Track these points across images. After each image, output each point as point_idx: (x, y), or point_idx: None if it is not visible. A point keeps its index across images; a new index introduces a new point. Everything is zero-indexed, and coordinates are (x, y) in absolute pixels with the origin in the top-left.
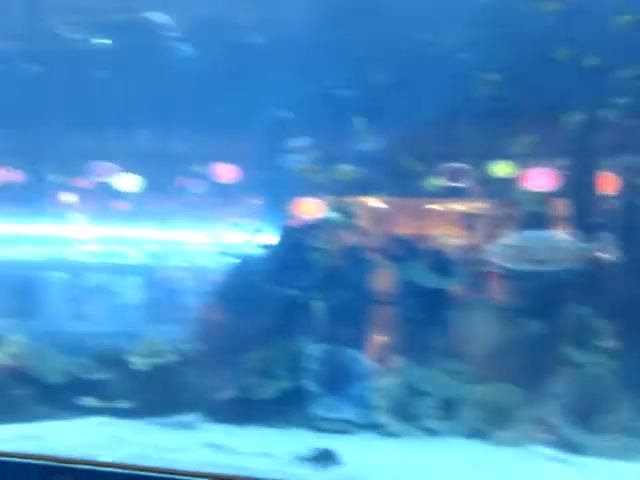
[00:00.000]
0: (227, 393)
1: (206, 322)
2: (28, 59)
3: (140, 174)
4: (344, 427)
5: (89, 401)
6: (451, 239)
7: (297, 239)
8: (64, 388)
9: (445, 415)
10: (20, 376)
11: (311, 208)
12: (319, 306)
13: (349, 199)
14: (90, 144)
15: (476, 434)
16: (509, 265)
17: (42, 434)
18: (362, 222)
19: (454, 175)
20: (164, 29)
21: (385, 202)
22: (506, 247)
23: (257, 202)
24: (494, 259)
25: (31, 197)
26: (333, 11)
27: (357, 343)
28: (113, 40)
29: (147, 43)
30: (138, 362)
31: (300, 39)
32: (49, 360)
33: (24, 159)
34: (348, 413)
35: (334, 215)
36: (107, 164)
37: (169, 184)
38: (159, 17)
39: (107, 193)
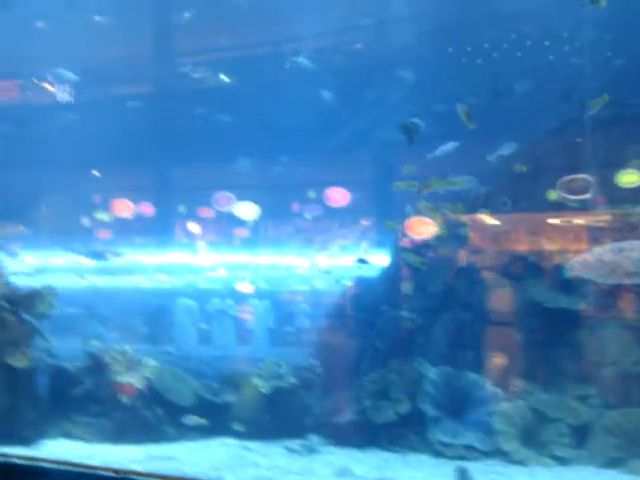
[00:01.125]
0: (347, 416)
1: (324, 345)
2: (155, 99)
3: (258, 202)
4: (466, 453)
5: (215, 423)
6: (574, 254)
7: (411, 259)
8: (192, 410)
9: (575, 442)
10: (152, 398)
11: (424, 227)
12: (437, 328)
13: (464, 216)
14: (213, 176)
15: (610, 463)
16: (600, 279)
17: (171, 454)
18: (478, 240)
19: (577, 187)
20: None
21: (502, 218)
22: (596, 260)
23: (370, 223)
24: (579, 273)
25: (161, 228)
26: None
27: (478, 366)
28: (233, 76)
29: (264, 78)
30: (261, 385)
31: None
32: (179, 383)
33: (154, 193)
34: (470, 439)
35: (448, 233)
36: (228, 194)
37: (285, 210)
38: (274, 50)
39: (229, 221)
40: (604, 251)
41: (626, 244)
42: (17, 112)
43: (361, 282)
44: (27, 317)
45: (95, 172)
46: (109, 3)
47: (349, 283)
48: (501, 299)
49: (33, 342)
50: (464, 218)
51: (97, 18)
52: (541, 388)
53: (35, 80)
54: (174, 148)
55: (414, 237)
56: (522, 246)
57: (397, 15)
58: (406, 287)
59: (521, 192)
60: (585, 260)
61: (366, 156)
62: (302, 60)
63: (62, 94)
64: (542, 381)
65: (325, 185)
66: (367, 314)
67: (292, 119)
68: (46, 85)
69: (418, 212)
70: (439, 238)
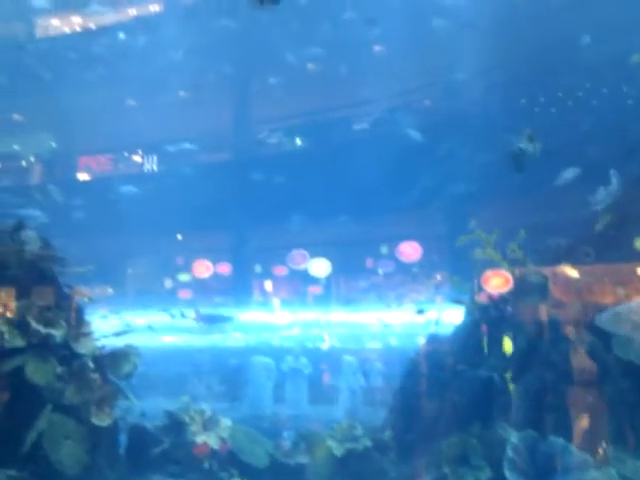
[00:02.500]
0: None
1: (400, 406)
2: (234, 164)
3: (330, 259)
4: None
5: None
6: None
7: (487, 315)
8: (265, 472)
9: None
10: (227, 459)
11: (500, 280)
12: (518, 388)
13: (545, 268)
14: (287, 235)
15: None
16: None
17: None
18: (560, 293)
19: None
20: (348, 125)
21: (586, 270)
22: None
23: (444, 278)
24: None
25: (238, 287)
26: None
27: (563, 430)
28: (309, 140)
29: (337, 140)
30: (334, 447)
31: (480, 110)
32: (253, 444)
33: (231, 253)
34: None
35: (528, 287)
36: (302, 252)
37: (358, 267)
38: (346, 112)
39: (303, 279)
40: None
41: None
42: (110, 182)
43: (436, 339)
44: (112, 377)
45: (178, 236)
46: (192, 80)
47: (425, 341)
48: (587, 357)
49: (116, 401)
50: (545, 270)
51: (182, 94)
52: (633, 455)
53: (126, 154)
54: (250, 210)
55: (491, 291)
56: (608, 299)
57: (466, 70)
58: (484, 344)
59: (605, 242)
60: (616, 314)
61: (438, 211)
62: (374, 121)
63: (148, 165)
64: (634, 447)
65: (398, 240)
66: (443, 373)
67: (365, 178)
68: (135, 157)
69: (493, 265)
70: (518, 292)
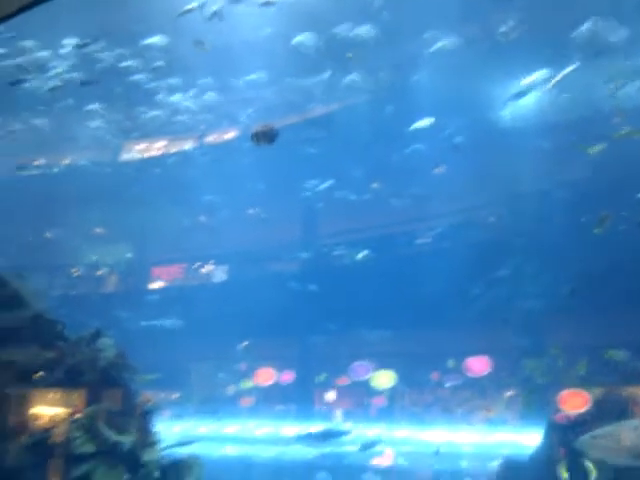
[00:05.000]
0: None
1: None
2: (299, 275)
3: (394, 371)
4: None
5: None
6: None
7: (566, 438)
8: None
9: None
10: None
11: (579, 402)
12: None
13: (622, 389)
14: (351, 345)
15: None
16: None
17: None
18: None
19: None
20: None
21: None
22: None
23: (516, 395)
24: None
25: (297, 397)
26: None
27: None
28: (372, 253)
29: (400, 254)
30: None
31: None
32: None
33: (294, 361)
34: None
35: (605, 407)
36: (365, 363)
37: (423, 380)
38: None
39: (366, 390)
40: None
41: None
42: (182, 291)
43: (513, 464)
44: None
45: (244, 343)
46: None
47: (503, 462)
48: None
49: None
50: (623, 392)
51: (251, 211)
52: None
53: (197, 265)
54: (315, 319)
55: (569, 412)
56: None
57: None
58: (562, 470)
59: None
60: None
61: (505, 326)
62: (436, 235)
63: (219, 275)
64: None
65: (464, 355)
66: None
67: (427, 291)
68: (205, 268)
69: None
70: (596, 413)
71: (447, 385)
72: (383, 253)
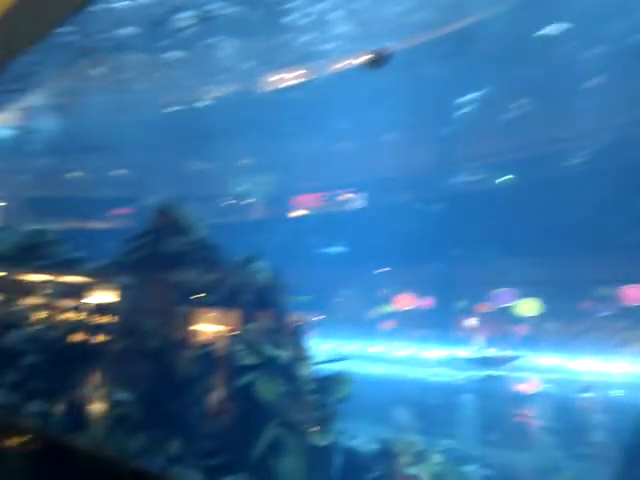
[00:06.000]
0: None
1: (627, 467)
2: (434, 201)
3: (540, 299)
4: None
5: None
6: None
7: None
8: None
9: None
10: None
11: None
12: None
13: None
14: (493, 271)
15: None
16: None
17: None
18: None
19: None
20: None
21: None
22: None
23: None
24: None
25: (437, 322)
26: None
27: None
28: (513, 176)
29: (544, 177)
30: None
31: None
32: None
33: (434, 289)
34: None
35: None
36: (509, 290)
37: (570, 308)
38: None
39: (508, 318)
40: None
41: None
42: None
43: None
44: (328, 400)
45: (384, 269)
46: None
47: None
48: None
49: (332, 424)
50: None
51: (388, 137)
52: None
53: (337, 192)
54: (456, 246)
55: None
56: None
57: None
58: None
59: None
60: None
61: None
62: (584, 155)
63: (359, 202)
64: None
65: (619, 283)
66: None
67: (575, 215)
68: (345, 196)
69: None
70: None
71: (600, 315)
72: (527, 175)
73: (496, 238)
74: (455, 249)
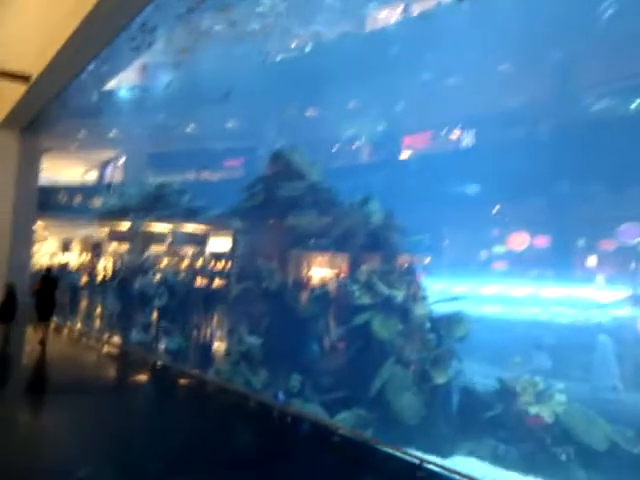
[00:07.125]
0: None
1: None
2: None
3: None
4: None
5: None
6: None
7: None
8: (604, 456)
9: None
10: (560, 436)
11: None
12: None
13: None
14: (616, 206)
15: None
16: None
17: None
18: None
19: None
20: None
21: None
22: None
23: None
24: None
25: (556, 260)
26: None
27: None
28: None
29: None
30: None
31: None
32: (590, 425)
33: (551, 224)
34: None
35: None
36: (635, 225)
37: None
38: None
39: (633, 255)
40: None
41: None
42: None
43: None
44: (444, 340)
45: (496, 208)
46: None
47: None
48: None
49: (450, 362)
50: None
51: (500, 68)
52: None
53: (444, 130)
54: (574, 181)
55: None
56: None
57: None
58: None
59: None
60: None
61: None
62: None
63: (467, 139)
64: None
65: None
66: None
67: None
68: (454, 134)
69: None
70: None
71: None
72: None
73: (623, 168)
74: (572, 183)
